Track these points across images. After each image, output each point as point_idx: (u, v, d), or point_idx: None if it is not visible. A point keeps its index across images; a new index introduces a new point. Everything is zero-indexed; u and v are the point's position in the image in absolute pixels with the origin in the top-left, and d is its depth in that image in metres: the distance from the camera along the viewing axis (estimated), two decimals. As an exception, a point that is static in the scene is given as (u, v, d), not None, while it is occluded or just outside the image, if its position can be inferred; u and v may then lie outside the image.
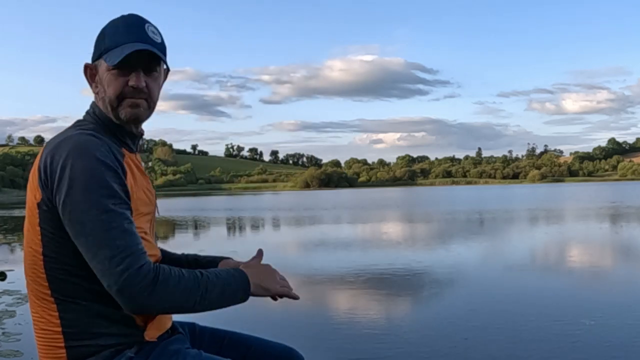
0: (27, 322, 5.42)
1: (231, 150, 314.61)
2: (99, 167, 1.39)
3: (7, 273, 8.19)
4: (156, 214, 1.70)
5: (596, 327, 5.04)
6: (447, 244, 12.58)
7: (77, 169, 1.37)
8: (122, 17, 1.58)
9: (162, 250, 1.78)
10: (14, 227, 20.73)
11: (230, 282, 1.48)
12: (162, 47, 1.58)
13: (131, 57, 1.50)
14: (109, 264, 1.34)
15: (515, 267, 8.81)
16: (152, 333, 1.52)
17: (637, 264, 9.16)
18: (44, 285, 1.45)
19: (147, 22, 1.57)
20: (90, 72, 1.59)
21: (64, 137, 1.46)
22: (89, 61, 1.59)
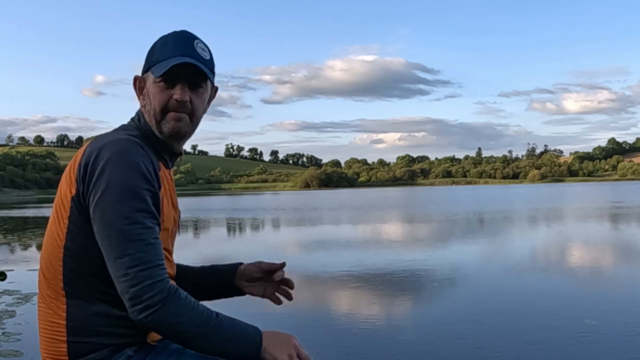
0: (27, 322, 5.40)
1: (231, 150, 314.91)
2: (137, 177, 1.41)
3: (7, 273, 8.16)
4: (177, 233, 1.71)
5: (599, 326, 5.03)
6: (451, 245, 12.57)
7: (116, 174, 1.39)
8: (173, 32, 1.60)
9: (179, 265, 1.80)
10: (14, 227, 20.72)
11: (240, 337, 1.44)
12: (209, 63, 1.60)
13: (177, 71, 1.53)
14: (127, 272, 1.36)
15: (519, 267, 8.79)
16: (155, 336, 1.53)
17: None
18: (57, 277, 1.48)
19: (197, 38, 1.60)
20: (139, 84, 1.62)
21: (110, 140, 1.48)
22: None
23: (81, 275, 1.46)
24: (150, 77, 1.57)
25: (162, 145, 1.60)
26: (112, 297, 1.44)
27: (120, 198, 1.38)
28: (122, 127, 1.61)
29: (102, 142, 1.47)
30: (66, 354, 1.47)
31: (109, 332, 1.46)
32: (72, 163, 1.50)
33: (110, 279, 1.42)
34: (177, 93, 1.55)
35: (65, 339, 1.46)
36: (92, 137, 1.62)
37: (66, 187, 1.48)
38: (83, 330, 1.46)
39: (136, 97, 1.65)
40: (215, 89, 1.70)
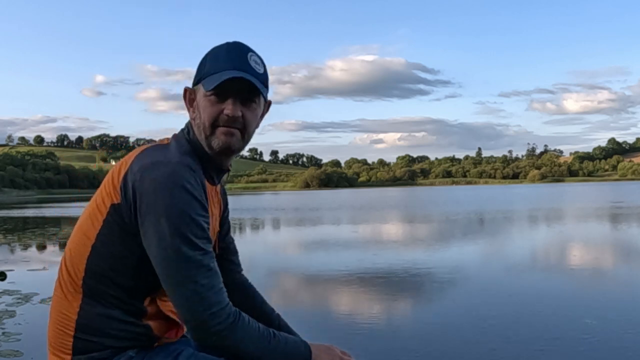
0: (27, 322, 5.40)
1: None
2: (192, 202, 1.39)
3: (7, 273, 8.16)
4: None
5: (599, 326, 5.02)
6: (452, 245, 12.55)
7: (170, 201, 1.37)
8: (226, 44, 1.54)
9: (256, 294, 1.83)
10: (14, 227, 20.70)
11: (294, 352, 1.50)
12: (263, 77, 1.54)
13: (229, 85, 1.47)
14: (191, 300, 1.36)
15: (519, 267, 8.77)
16: (162, 342, 1.56)
17: None
18: (78, 274, 1.48)
19: (251, 50, 1.54)
20: (189, 96, 1.57)
21: (160, 160, 1.43)
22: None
23: (101, 278, 1.46)
24: (201, 90, 1.51)
25: (210, 161, 1.56)
26: (127, 304, 1.47)
27: (179, 225, 1.36)
28: (174, 138, 1.57)
29: (152, 160, 1.43)
30: (70, 348, 1.48)
31: (116, 335, 1.47)
32: (117, 169, 1.48)
33: (128, 287, 1.46)
34: (228, 108, 1.49)
35: (72, 333, 1.47)
36: (142, 145, 1.58)
37: (108, 192, 1.46)
38: (91, 329, 1.46)
39: (186, 110, 1.59)
40: (268, 104, 1.64)
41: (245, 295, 1.81)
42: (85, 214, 1.52)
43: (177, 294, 1.37)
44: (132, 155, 1.49)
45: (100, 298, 1.46)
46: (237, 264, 1.87)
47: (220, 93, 1.49)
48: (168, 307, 1.54)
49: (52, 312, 1.53)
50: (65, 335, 1.48)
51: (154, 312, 1.52)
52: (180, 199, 1.37)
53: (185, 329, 1.59)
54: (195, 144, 1.54)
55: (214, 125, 1.50)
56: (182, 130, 1.59)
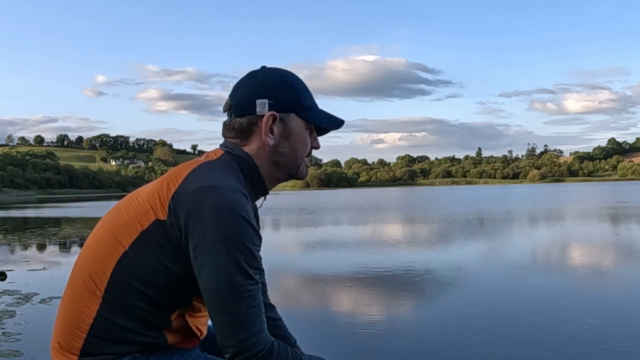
0: (27, 322, 5.38)
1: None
2: (250, 232, 1.40)
3: (7, 273, 8.14)
4: None
5: (600, 326, 5.01)
6: (455, 245, 12.54)
7: (229, 229, 1.37)
8: (294, 75, 1.63)
9: (279, 318, 1.85)
10: (14, 227, 20.70)
11: None
12: None
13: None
14: (235, 328, 1.39)
15: (521, 267, 8.76)
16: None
17: None
18: (102, 277, 1.46)
19: None
20: (273, 122, 1.55)
21: (218, 184, 1.42)
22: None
23: (127, 287, 1.44)
24: (299, 121, 1.58)
25: (261, 186, 1.59)
26: (151, 315, 1.46)
27: (236, 254, 1.37)
28: (225, 159, 1.53)
29: (209, 183, 1.41)
30: (79, 350, 1.47)
31: (129, 343, 1.47)
32: (165, 184, 1.46)
33: (158, 300, 1.45)
34: (316, 142, 1.65)
35: (84, 336, 1.46)
36: (189, 161, 1.53)
37: (153, 205, 1.44)
38: (104, 334, 1.46)
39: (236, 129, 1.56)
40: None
41: (270, 318, 1.80)
42: (118, 218, 1.49)
43: (222, 319, 1.40)
44: (181, 171, 1.47)
45: (122, 307, 1.44)
46: (265, 285, 1.86)
47: (315, 128, 1.63)
48: (196, 321, 1.55)
49: (63, 311, 1.51)
50: (75, 338, 1.47)
51: (178, 325, 1.52)
52: (239, 228, 1.37)
53: (199, 340, 1.61)
54: (252, 169, 1.55)
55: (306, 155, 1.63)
56: (227, 152, 1.55)
